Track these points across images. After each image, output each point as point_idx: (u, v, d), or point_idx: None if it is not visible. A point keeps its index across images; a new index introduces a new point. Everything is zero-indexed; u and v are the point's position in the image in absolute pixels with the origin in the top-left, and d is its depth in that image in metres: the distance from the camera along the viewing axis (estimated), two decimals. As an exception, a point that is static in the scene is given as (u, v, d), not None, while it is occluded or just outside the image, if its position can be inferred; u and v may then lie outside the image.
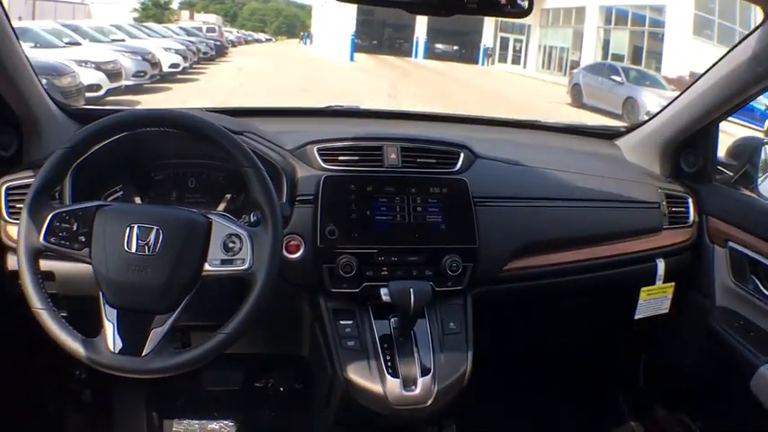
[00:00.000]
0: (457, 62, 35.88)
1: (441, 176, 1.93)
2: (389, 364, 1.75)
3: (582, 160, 2.30)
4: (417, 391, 1.72)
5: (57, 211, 1.46)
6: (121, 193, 1.90)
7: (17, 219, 1.49)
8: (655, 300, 2.21)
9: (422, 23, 38.28)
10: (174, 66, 17.35)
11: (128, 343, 1.42)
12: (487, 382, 2.01)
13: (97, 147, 1.56)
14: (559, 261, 2.06)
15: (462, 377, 1.78)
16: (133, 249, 1.42)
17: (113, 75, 12.61)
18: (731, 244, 2.16)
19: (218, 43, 27.58)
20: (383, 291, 1.73)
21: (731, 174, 2.35)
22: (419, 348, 1.78)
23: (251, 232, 1.47)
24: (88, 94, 11.17)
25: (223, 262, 1.46)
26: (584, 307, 2.37)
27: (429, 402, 1.72)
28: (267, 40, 53.21)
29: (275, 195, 1.51)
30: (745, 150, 2.34)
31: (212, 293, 1.69)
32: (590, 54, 27.35)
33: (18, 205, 1.72)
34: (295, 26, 57.99)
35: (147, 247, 1.42)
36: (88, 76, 11.49)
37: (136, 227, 1.43)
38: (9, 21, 1.69)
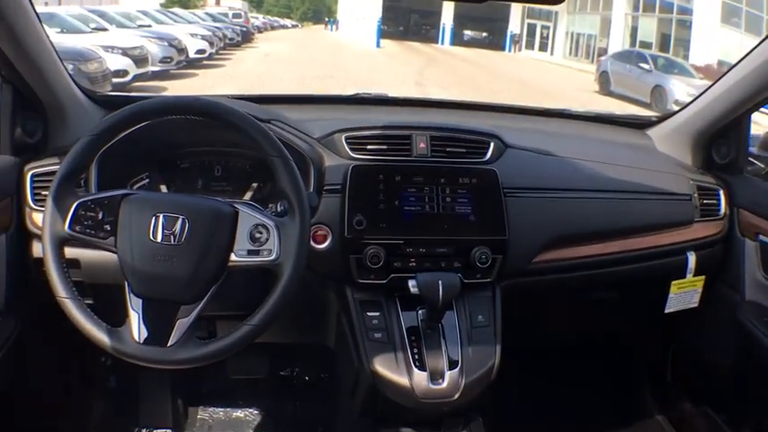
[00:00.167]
0: (483, 49, 35.70)
1: (470, 166, 1.90)
2: (416, 356, 1.73)
3: (613, 150, 2.26)
4: (444, 384, 1.70)
5: (82, 200, 1.44)
6: (147, 180, 1.89)
7: (43, 206, 1.48)
8: (685, 293, 2.17)
9: (448, 10, 38.19)
10: (200, 52, 17.42)
11: (153, 333, 1.41)
12: (514, 375, 1.98)
13: (123, 134, 1.54)
14: (589, 254, 2.02)
15: (490, 371, 1.76)
16: (159, 239, 1.41)
17: (140, 60, 12.68)
18: (762, 237, 2.11)
19: (245, 29, 27.66)
20: (411, 283, 1.70)
21: (762, 166, 2.32)
22: (447, 341, 1.76)
23: (278, 222, 1.45)
24: (115, 80, 11.24)
25: (249, 252, 1.44)
26: (613, 300, 2.34)
27: (456, 396, 1.70)
28: (293, 26, 53.29)
29: (302, 185, 1.48)
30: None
31: (239, 283, 1.67)
32: (617, 41, 27.13)
33: (44, 192, 1.71)
34: (321, 12, 57.95)
35: (172, 237, 1.41)
36: (115, 62, 11.56)
37: (161, 216, 1.42)
38: (33, 7, 1.68)
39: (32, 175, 1.83)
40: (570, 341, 2.61)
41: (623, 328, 2.57)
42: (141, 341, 1.40)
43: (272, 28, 44.33)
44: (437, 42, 38.05)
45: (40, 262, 1.46)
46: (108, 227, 1.43)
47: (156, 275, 1.41)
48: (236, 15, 30.60)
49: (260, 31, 36.16)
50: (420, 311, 1.79)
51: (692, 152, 2.30)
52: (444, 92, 15.32)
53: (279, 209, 1.79)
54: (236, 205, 1.47)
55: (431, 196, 1.83)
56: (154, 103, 1.52)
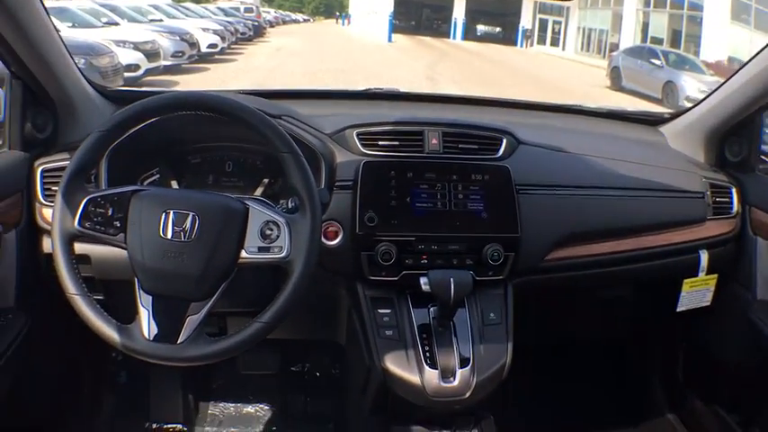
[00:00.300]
0: (495, 44, 35.61)
1: (483, 163, 1.89)
2: (428, 354, 1.72)
3: (626, 147, 2.24)
4: (456, 382, 1.69)
5: (91, 196, 1.44)
6: (158, 176, 1.89)
7: (53, 201, 1.48)
8: (697, 292, 2.15)
9: (460, 4, 38.10)
10: (212, 46, 17.44)
11: (163, 330, 1.41)
12: (525, 373, 1.97)
13: (133, 130, 1.54)
14: (602, 251, 2.01)
15: (502, 369, 1.75)
16: (169, 235, 1.40)
17: (151, 55, 12.70)
18: None
19: (256, 23, 27.66)
20: (422, 280, 1.69)
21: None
22: (458, 339, 1.75)
23: (289, 219, 1.44)
24: (126, 74, 11.26)
25: (260, 249, 1.43)
26: (625, 298, 2.33)
27: (468, 395, 1.69)
28: (305, 21, 53.24)
29: (313, 181, 1.47)
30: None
31: (249, 280, 1.67)
32: (629, 37, 27.00)
33: (54, 188, 1.71)
34: (333, 6, 57.87)
35: (182, 234, 1.40)
36: (126, 56, 11.57)
37: (171, 212, 1.41)
38: (42, 2, 1.67)
39: (42, 171, 1.83)
40: (582, 339, 2.59)
41: (635, 326, 2.56)
42: (151, 338, 1.40)
43: (284, 22, 44.30)
44: (449, 37, 37.96)
45: (51, 258, 1.46)
46: (118, 223, 1.43)
47: (165, 272, 1.40)
48: (248, 10, 30.54)
49: (271, 26, 36.15)
50: (431, 309, 1.78)
51: (705, 149, 2.28)
52: (456, 87, 15.28)
53: (290, 205, 1.78)
54: (246, 202, 1.46)
55: (443, 193, 1.82)
56: (164, 99, 1.51)
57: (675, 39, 24.74)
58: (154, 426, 2.55)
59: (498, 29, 40.02)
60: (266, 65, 17.58)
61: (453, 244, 1.80)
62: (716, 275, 2.15)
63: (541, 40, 36.66)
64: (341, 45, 26.92)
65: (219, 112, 1.49)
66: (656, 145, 2.36)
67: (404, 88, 2.59)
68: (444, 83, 16.13)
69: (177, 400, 2.56)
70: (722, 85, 2.17)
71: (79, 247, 1.50)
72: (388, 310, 1.79)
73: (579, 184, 1.99)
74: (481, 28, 39.84)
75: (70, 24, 12.05)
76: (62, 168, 1.52)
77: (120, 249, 1.44)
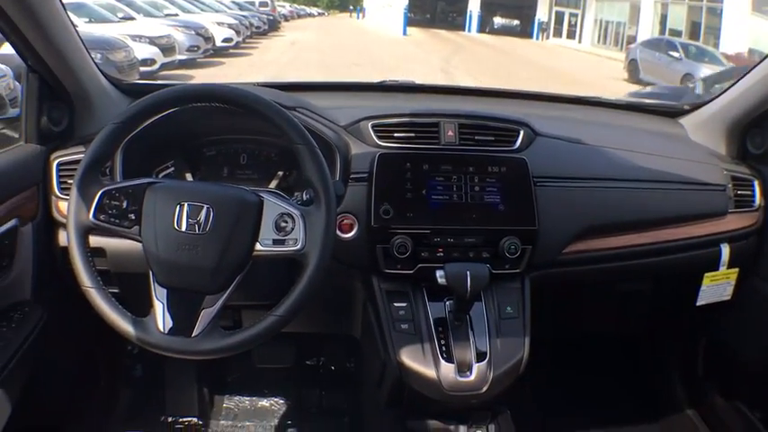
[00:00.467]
0: (511, 36, 35.48)
1: (499, 155, 1.87)
2: (444, 348, 1.71)
3: (645, 139, 2.21)
4: (472, 377, 1.68)
5: (106, 188, 1.44)
6: (173, 169, 1.89)
7: (68, 194, 1.47)
8: (718, 286, 2.13)
9: (475, -3, 37.98)
10: (226, 40, 17.49)
11: (177, 323, 1.40)
12: (542, 367, 1.96)
13: (148, 122, 1.53)
14: (620, 245, 1.98)
15: (519, 363, 1.73)
16: (183, 228, 1.39)
17: (167, 49, 12.76)
18: None
19: (271, 17, 27.76)
20: (438, 273, 1.68)
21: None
22: (474, 333, 1.73)
23: (303, 212, 1.43)
24: (142, 69, 11.31)
25: (275, 242, 1.42)
26: (644, 292, 2.31)
27: (484, 389, 1.68)
28: (319, 15, 53.36)
29: (329, 173, 1.46)
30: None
31: (264, 272, 1.66)
32: (647, 29, 26.79)
33: (69, 181, 1.72)
34: (347, 0, 57.86)
35: (197, 226, 1.39)
36: (142, 51, 11.62)
37: (186, 205, 1.40)
38: None
39: (58, 164, 1.83)
40: (600, 334, 2.57)
41: (654, 320, 2.53)
42: (166, 331, 1.39)
43: (299, 16, 44.44)
44: (464, 30, 37.91)
45: (66, 251, 1.46)
46: (133, 216, 1.42)
47: (180, 265, 1.40)
48: (263, 4, 30.62)
49: (286, 20, 36.28)
50: (447, 302, 1.77)
51: (726, 142, 2.25)
52: (472, 79, 15.25)
53: (304, 197, 1.78)
54: (261, 194, 1.45)
55: (459, 185, 1.80)
56: (178, 91, 1.51)
57: (695, 30, 24.53)
58: (169, 419, 2.55)
59: (516, 21, 39.84)
60: (281, 59, 17.61)
61: (470, 237, 1.78)
62: (737, 269, 2.12)
63: (558, 33, 36.49)
64: (355, 39, 26.93)
65: (234, 103, 1.48)
66: (676, 137, 2.34)
67: (419, 81, 2.57)
68: (460, 76, 16.10)
69: (192, 393, 2.57)
70: (744, 76, 2.14)
71: (94, 240, 1.50)
72: (404, 304, 1.78)
73: (597, 177, 1.96)
74: (498, 21, 39.68)
75: (87, 19, 12.10)
76: (78, 161, 1.51)
77: (134, 242, 1.43)
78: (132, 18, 14.11)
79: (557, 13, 36.80)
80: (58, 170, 1.83)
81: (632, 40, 25.24)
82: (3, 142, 1.90)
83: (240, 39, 18.94)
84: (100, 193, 1.43)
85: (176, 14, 17.17)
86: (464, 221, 1.78)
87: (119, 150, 1.58)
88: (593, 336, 2.59)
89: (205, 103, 1.50)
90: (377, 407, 2.03)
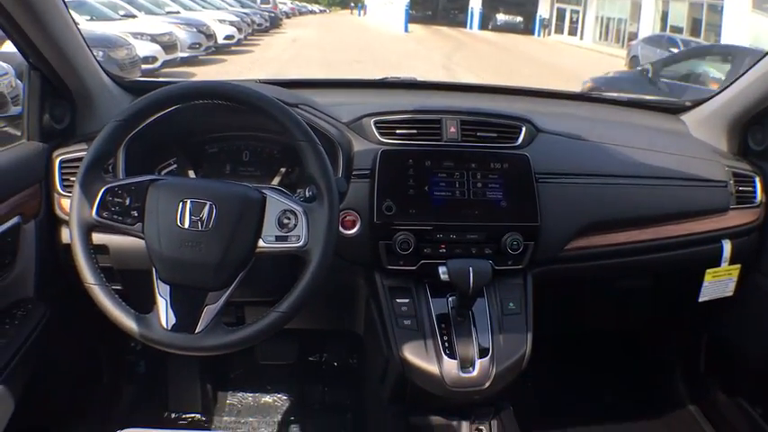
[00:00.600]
0: (512, 33, 35.44)
1: (501, 151, 1.87)
2: (446, 344, 1.71)
3: (647, 136, 2.21)
4: (475, 373, 1.68)
5: (109, 186, 1.44)
6: (175, 166, 1.89)
7: (71, 192, 1.48)
8: (720, 282, 2.13)
9: (477, -6, 37.94)
10: (228, 37, 17.49)
11: (180, 320, 1.40)
12: (545, 363, 1.96)
13: (150, 119, 1.53)
14: (622, 241, 1.99)
15: (521, 359, 1.73)
16: (186, 225, 1.39)
17: (168, 47, 12.76)
18: None
19: (272, 15, 27.76)
20: (441, 269, 1.68)
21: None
22: (477, 329, 1.74)
23: (306, 208, 1.43)
24: (144, 66, 11.29)
25: (278, 238, 1.42)
26: (645, 288, 2.31)
27: (487, 385, 1.68)
28: (321, 12, 53.32)
29: (331, 170, 1.46)
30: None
31: (267, 269, 1.67)
32: (648, 26, 26.76)
33: (72, 178, 1.71)
34: (349, -3, 57.83)
35: (200, 223, 1.39)
36: (144, 49, 11.61)
37: (189, 202, 1.40)
38: None
39: (61, 161, 1.83)
40: (602, 329, 2.58)
41: (656, 316, 2.53)
42: (169, 328, 1.39)
43: (300, 13, 44.40)
44: (465, 27, 37.85)
45: (69, 248, 1.46)
46: (135, 213, 1.42)
47: (183, 262, 1.40)
48: (264, 1, 30.59)
49: (288, 17, 36.24)
50: (450, 298, 1.77)
51: (728, 138, 2.25)
52: (474, 76, 15.23)
53: (307, 194, 1.77)
54: (263, 191, 1.45)
55: (461, 181, 1.81)
56: (180, 88, 1.51)
57: (695, 27, 24.49)
58: (172, 415, 2.56)
59: (519, 18, 39.76)
60: (282, 56, 17.60)
61: (472, 233, 1.78)
62: (739, 265, 2.12)
63: (559, 30, 36.45)
64: (357, 36, 26.91)
65: (236, 100, 1.48)
66: (677, 133, 2.33)
67: (421, 78, 2.57)
68: (461, 72, 16.09)
69: (195, 389, 2.57)
70: (745, 72, 2.14)
71: (97, 238, 1.50)
72: (407, 300, 1.78)
73: (599, 173, 1.97)
74: (502, 18, 39.63)
75: (89, 17, 12.10)
76: (80, 159, 1.52)
77: (137, 239, 1.43)
78: (134, 16, 14.09)
79: (558, 9, 36.77)
80: (61, 168, 1.83)
81: (633, 36, 25.22)
82: (5, 140, 1.90)
83: (242, 36, 18.94)
84: (102, 190, 1.43)
85: (178, 12, 17.17)
86: (466, 218, 1.78)
87: (121, 148, 1.58)
88: (596, 332, 2.60)
89: (207, 100, 1.50)
90: (380, 403, 2.03)
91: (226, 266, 1.40)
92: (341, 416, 2.62)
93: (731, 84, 2.21)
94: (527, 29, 37.85)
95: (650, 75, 8.56)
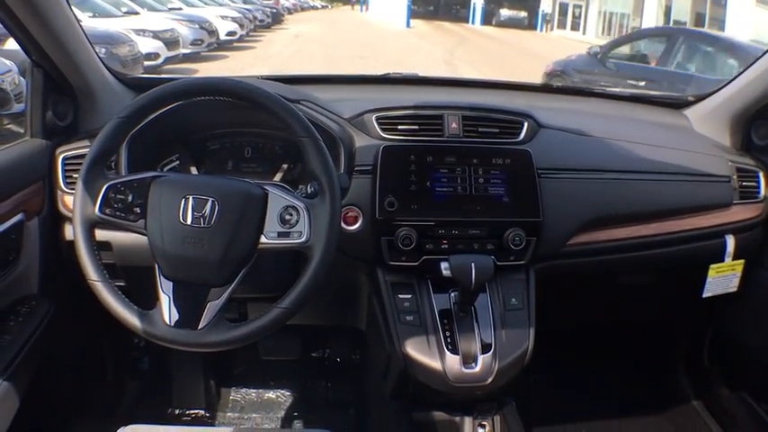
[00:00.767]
0: (515, 28, 35.35)
1: (503, 147, 1.87)
2: (449, 340, 1.71)
3: (649, 131, 2.21)
4: (477, 368, 1.68)
5: (112, 182, 1.44)
6: (177, 162, 1.89)
7: (74, 189, 1.48)
8: (723, 277, 2.13)
9: (479, -11, 37.83)
10: (230, 34, 17.49)
11: (183, 316, 1.40)
12: (547, 358, 1.96)
13: (152, 116, 1.53)
14: (625, 236, 1.99)
15: (524, 355, 1.73)
16: (188, 221, 1.39)
17: (171, 43, 12.77)
18: None
19: (275, 10, 27.72)
20: (443, 265, 1.68)
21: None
22: (479, 324, 1.74)
23: (308, 204, 1.43)
24: (146, 63, 11.31)
25: (280, 234, 1.42)
26: (648, 284, 2.30)
27: (489, 380, 1.68)
28: (323, 7, 53.26)
29: (333, 166, 1.46)
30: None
31: (269, 265, 1.66)
32: (651, 20, 26.67)
33: (75, 175, 1.71)
34: (351, -8, 57.72)
35: (202, 219, 1.39)
36: (146, 45, 11.62)
37: (191, 198, 1.40)
38: None
39: (64, 158, 1.84)
40: (605, 325, 2.57)
41: (659, 312, 2.53)
42: (172, 324, 1.39)
43: (303, 9, 44.37)
44: (467, 22, 37.76)
45: (73, 245, 1.46)
46: (138, 209, 1.42)
47: (185, 258, 1.40)
48: (266, -3, 30.61)
49: (290, 13, 36.21)
50: (452, 294, 1.77)
51: (731, 133, 2.25)
52: (476, 72, 15.21)
53: (309, 190, 1.77)
54: (265, 187, 1.45)
55: (463, 177, 1.81)
56: (182, 85, 1.51)
57: (699, 21, 24.39)
58: (176, 411, 2.57)
59: (524, 13, 39.63)
60: (285, 52, 17.59)
61: (474, 228, 1.78)
62: (743, 261, 2.12)
63: (562, 25, 36.34)
64: (359, 31, 26.86)
65: (238, 96, 1.48)
66: (680, 128, 2.33)
67: (423, 73, 2.57)
68: (463, 68, 16.05)
69: (199, 386, 2.58)
70: (748, 67, 2.14)
71: (100, 234, 1.50)
72: (409, 296, 1.78)
73: (602, 168, 1.96)
74: (505, 13, 39.49)
75: (91, 14, 12.10)
76: (83, 156, 1.52)
77: (140, 236, 1.43)
78: (136, 12, 14.09)
79: (561, 4, 36.65)
80: (64, 164, 1.84)
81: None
82: (8, 137, 1.91)
83: (244, 32, 18.93)
84: (105, 186, 1.43)
85: (180, 8, 17.17)
86: (468, 213, 1.78)
87: (124, 144, 1.59)
88: (599, 327, 2.59)
89: (209, 96, 1.50)
90: (382, 398, 2.03)
91: (228, 263, 1.40)
92: (344, 411, 2.62)
93: (734, 79, 2.21)
94: (529, 23, 37.75)
95: (599, 56, 9.08)
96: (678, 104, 2.47)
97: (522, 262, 1.82)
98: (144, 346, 2.57)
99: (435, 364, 1.68)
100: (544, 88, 2.59)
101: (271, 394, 2.70)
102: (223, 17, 17.70)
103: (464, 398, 1.85)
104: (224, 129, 1.93)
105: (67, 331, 1.98)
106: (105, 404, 2.40)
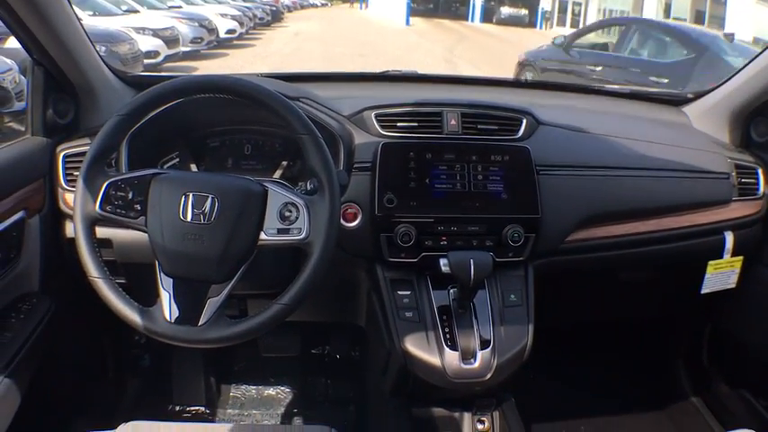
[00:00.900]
0: (515, 26, 35.31)
1: (502, 144, 1.87)
2: (448, 336, 1.72)
3: (648, 128, 2.22)
4: (476, 364, 1.69)
5: (112, 180, 1.44)
6: (177, 160, 1.89)
7: (75, 186, 1.49)
8: (722, 274, 2.13)
9: (479, -14, 37.78)
10: (230, 32, 17.46)
11: (184, 312, 1.41)
12: (546, 355, 1.97)
13: (152, 114, 1.54)
14: (624, 233, 1.99)
15: (523, 351, 1.74)
16: (188, 218, 1.40)
17: (171, 41, 12.75)
18: None
19: (274, 8, 27.68)
20: (442, 261, 1.69)
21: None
22: (478, 320, 1.74)
23: (307, 201, 1.44)
24: (146, 61, 11.29)
25: (279, 231, 1.42)
26: (647, 280, 2.31)
27: (488, 376, 1.69)
28: (322, 5, 53.10)
29: (332, 163, 1.47)
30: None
31: (269, 262, 1.67)
32: (650, 17, 26.63)
33: (76, 173, 1.72)
34: (351, -10, 57.64)
35: (202, 216, 1.40)
36: (146, 43, 11.61)
37: (191, 195, 1.41)
38: None
39: (64, 156, 1.84)
40: (604, 321, 2.58)
41: (658, 308, 2.54)
42: (172, 320, 1.40)
43: (302, 7, 44.25)
44: (467, 20, 37.71)
45: (74, 242, 1.46)
46: (138, 206, 1.43)
47: (186, 255, 1.40)
48: (266, -5, 30.57)
49: (289, 11, 36.14)
50: (451, 290, 1.78)
51: (730, 130, 2.25)
52: (475, 69, 15.19)
53: (308, 187, 1.78)
54: (265, 184, 1.46)
55: (462, 174, 1.81)
56: (182, 82, 1.51)
57: (699, 19, 24.34)
58: (177, 408, 2.58)
59: (524, 11, 39.52)
60: (284, 50, 17.56)
61: (473, 225, 1.79)
62: (741, 257, 2.12)
63: (561, 23, 36.26)
64: (358, 29, 26.81)
65: (238, 94, 1.48)
66: (679, 125, 2.34)
67: (422, 71, 2.57)
68: (463, 65, 16.04)
69: (199, 382, 2.59)
70: (747, 64, 2.14)
71: (101, 231, 1.51)
72: (408, 292, 1.79)
73: (600, 165, 1.97)
74: (506, 10, 39.39)
75: (91, 12, 12.10)
76: (83, 153, 1.53)
77: (140, 233, 1.44)
78: (136, 11, 14.07)
79: (560, 2, 36.60)
80: (65, 162, 1.84)
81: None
82: (9, 135, 1.92)
83: (243, 30, 18.90)
84: (106, 184, 1.44)
85: (180, 6, 17.14)
86: (467, 210, 1.79)
87: (124, 142, 1.59)
88: (598, 324, 2.60)
89: (209, 94, 1.51)
90: (382, 395, 2.04)
91: (228, 259, 1.41)
92: (343, 408, 2.63)
93: (734, 75, 2.21)
94: (530, 22, 37.70)
95: (564, 46, 9.44)
96: (677, 101, 2.47)
97: (521, 258, 1.82)
98: (145, 344, 2.58)
99: (434, 360, 1.69)
100: (543, 85, 2.59)
101: (271, 391, 2.70)
102: (223, 15, 17.67)
103: (463, 394, 1.86)
104: (224, 126, 1.93)
105: (68, 328, 1.99)
106: (106, 401, 2.41)
